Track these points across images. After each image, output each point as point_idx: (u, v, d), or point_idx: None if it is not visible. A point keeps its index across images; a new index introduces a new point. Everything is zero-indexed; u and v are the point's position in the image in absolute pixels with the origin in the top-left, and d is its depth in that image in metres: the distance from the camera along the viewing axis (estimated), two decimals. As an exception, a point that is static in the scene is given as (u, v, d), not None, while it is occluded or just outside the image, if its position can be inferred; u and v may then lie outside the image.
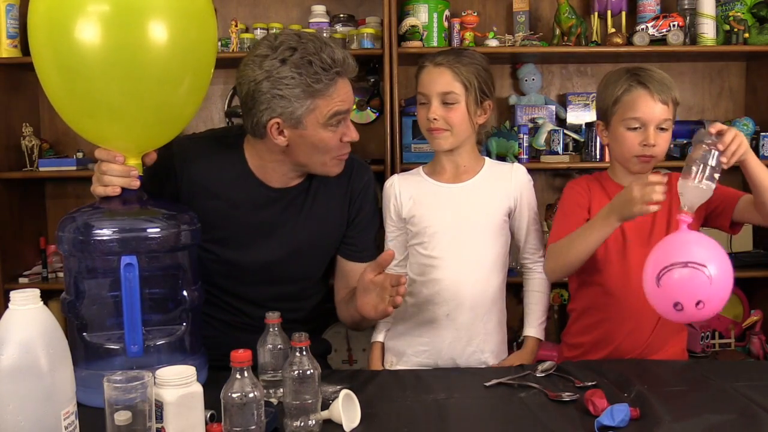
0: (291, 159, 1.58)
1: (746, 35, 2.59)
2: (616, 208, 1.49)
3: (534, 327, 1.78)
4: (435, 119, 1.68)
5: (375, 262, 1.52)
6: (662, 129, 1.62)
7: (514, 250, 1.83)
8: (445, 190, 1.75)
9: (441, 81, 1.68)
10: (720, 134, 1.38)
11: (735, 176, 2.92)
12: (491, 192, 1.74)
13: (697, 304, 1.31)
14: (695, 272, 1.30)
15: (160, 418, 1.08)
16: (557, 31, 2.67)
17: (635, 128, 1.62)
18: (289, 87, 1.47)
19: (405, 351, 1.75)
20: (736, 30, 2.59)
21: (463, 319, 1.70)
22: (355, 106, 2.84)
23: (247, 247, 1.63)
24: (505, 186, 1.74)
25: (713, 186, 1.36)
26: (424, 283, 1.72)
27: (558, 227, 1.68)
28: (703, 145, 1.38)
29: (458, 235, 1.71)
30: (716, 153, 1.37)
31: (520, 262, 1.85)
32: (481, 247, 1.72)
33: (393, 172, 2.51)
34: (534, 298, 1.80)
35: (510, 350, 1.84)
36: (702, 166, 1.36)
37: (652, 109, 1.61)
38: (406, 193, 1.77)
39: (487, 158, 1.81)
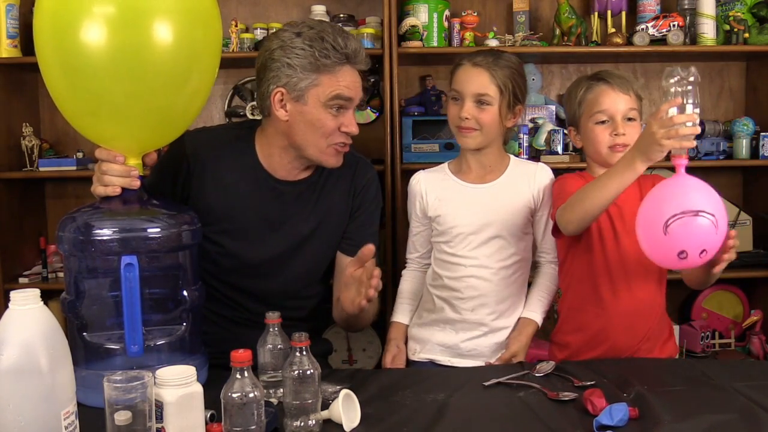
0: (291, 141, 1.59)
1: (746, 35, 2.60)
2: (640, 150, 1.41)
3: (536, 312, 1.77)
4: (467, 118, 1.70)
5: (356, 256, 1.48)
6: (630, 119, 1.67)
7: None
8: (471, 191, 1.77)
9: (477, 81, 1.71)
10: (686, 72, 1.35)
11: (734, 175, 2.94)
12: (516, 192, 1.77)
13: (702, 252, 1.32)
14: (705, 221, 1.30)
15: (160, 418, 1.08)
16: (557, 31, 2.67)
17: (603, 122, 1.67)
18: (298, 57, 1.51)
19: (429, 340, 1.78)
20: (736, 30, 2.60)
21: (487, 315, 1.74)
22: (355, 106, 2.85)
23: (253, 239, 1.64)
24: (529, 186, 1.77)
25: (697, 121, 1.35)
26: (449, 279, 1.76)
27: (563, 193, 1.66)
28: (673, 85, 1.36)
29: (483, 235, 1.73)
30: (689, 88, 1.34)
31: (534, 259, 1.86)
32: (506, 246, 1.74)
33: (393, 172, 2.53)
34: (542, 286, 1.81)
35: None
36: (681, 94, 1.34)
37: (614, 101, 1.66)
38: (432, 192, 1.80)
39: (512, 156, 1.84)
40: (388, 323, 1.90)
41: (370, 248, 1.44)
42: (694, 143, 1.36)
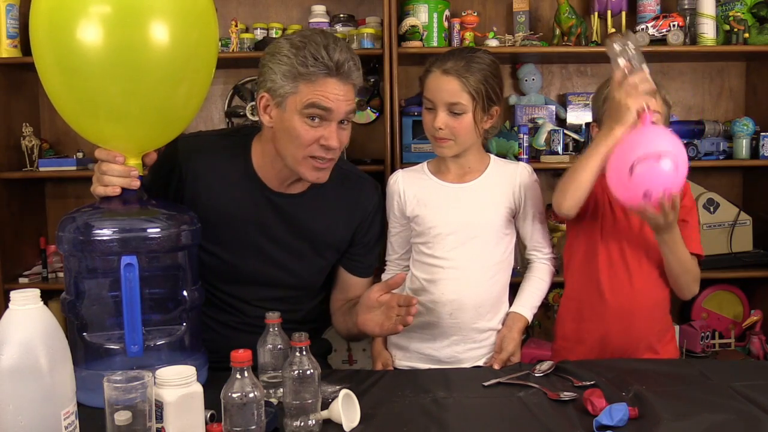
0: (276, 149, 1.57)
1: (746, 35, 2.59)
2: (613, 118, 1.52)
3: (525, 307, 1.73)
4: (441, 129, 1.65)
5: (384, 283, 1.55)
6: None
7: (517, 250, 1.83)
8: (450, 191, 1.73)
9: (448, 90, 1.64)
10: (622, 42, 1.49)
11: (734, 175, 2.94)
12: (496, 192, 1.73)
13: (663, 191, 1.43)
14: (666, 163, 1.41)
15: (160, 418, 1.08)
16: (557, 31, 2.67)
17: None
18: (281, 63, 1.50)
19: (408, 347, 1.75)
20: (736, 30, 2.59)
21: (467, 318, 1.70)
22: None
23: (248, 249, 1.63)
24: (510, 186, 1.73)
25: (649, 77, 1.49)
26: (427, 282, 1.72)
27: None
28: (618, 54, 1.49)
29: (462, 236, 1.70)
30: (633, 52, 1.49)
31: (524, 257, 1.84)
32: (486, 248, 1.71)
33: (393, 173, 2.52)
34: (533, 282, 1.77)
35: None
36: (628, 59, 1.49)
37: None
38: (410, 191, 1.76)
39: (492, 156, 1.79)
40: None
41: (401, 276, 1.57)
42: (653, 100, 1.50)
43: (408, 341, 1.75)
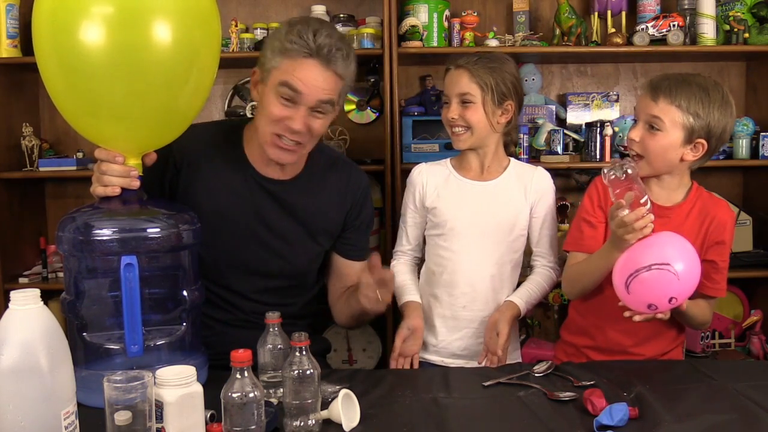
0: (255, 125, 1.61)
1: (746, 35, 2.59)
2: (614, 244, 1.51)
3: (521, 299, 1.75)
4: (454, 118, 1.74)
5: (369, 266, 1.57)
6: (652, 127, 1.60)
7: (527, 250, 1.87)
8: (470, 187, 1.80)
9: (459, 82, 1.74)
10: None
11: (734, 175, 2.93)
12: (513, 193, 1.79)
13: (671, 300, 1.39)
14: (660, 272, 1.37)
15: (160, 418, 1.08)
16: (557, 31, 2.67)
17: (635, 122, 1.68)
18: (274, 39, 1.55)
19: (427, 340, 1.80)
20: (736, 30, 2.59)
21: (479, 313, 1.76)
22: (354, 106, 2.85)
23: (242, 237, 1.64)
24: (526, 189, 1.79)
25: (648, 206, 1.44)
26: (441, 275, 1.78)
27: (573, 236, 1.71)
28: (614, 181, 1.44)
29: (476, 232, 1.76)
30: (630, 175, 1.44)
31: (530, 264, 1.87)
32: (499, 245, 1.77)
33: (393, 172, 2.53)
34: (533, 281, 1.81)
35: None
36: (624, 187, 1.44)
37: (641, 104, 1.64)
38: (432, 183, 1.82)
39: (512, 159, 1.86)
40: (395, 315, 1.88)
41: (377, 256, 1.54)
42: (651, 228, 1.44)
43: (427, 335, 1.79)
